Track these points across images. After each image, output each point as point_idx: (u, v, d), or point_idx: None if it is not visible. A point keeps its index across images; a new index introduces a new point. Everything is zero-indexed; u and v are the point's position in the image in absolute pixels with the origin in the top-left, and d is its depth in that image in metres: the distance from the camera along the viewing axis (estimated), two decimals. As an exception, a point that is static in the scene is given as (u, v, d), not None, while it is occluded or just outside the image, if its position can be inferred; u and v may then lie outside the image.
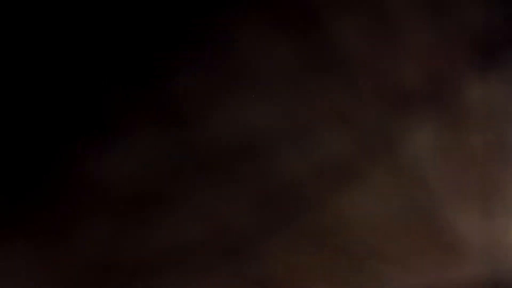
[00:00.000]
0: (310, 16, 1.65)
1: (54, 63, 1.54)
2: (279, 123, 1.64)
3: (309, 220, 1.64)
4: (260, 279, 1.62)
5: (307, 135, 1.65)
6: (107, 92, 1.55)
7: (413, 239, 1.69)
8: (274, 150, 1.63)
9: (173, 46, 1.59)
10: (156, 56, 1.59)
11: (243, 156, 1.62)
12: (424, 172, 1.70)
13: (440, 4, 1.71)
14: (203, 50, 1.60)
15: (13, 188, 1.53)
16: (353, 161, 1.67)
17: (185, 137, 1.59)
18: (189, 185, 1.59)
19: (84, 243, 1.56)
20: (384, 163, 1.68)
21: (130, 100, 1.56)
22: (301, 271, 1.65)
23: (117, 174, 1.56)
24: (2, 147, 1.52)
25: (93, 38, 1.54)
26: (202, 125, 1.59)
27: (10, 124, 1.52)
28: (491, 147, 1.72)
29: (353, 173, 1.67)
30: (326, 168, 1.65)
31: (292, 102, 1.64)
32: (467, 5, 1.72)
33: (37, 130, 1.54)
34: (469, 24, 1.72)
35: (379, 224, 1.67)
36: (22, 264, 1.53)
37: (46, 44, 1.54)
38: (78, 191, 1.54)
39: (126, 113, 1.56)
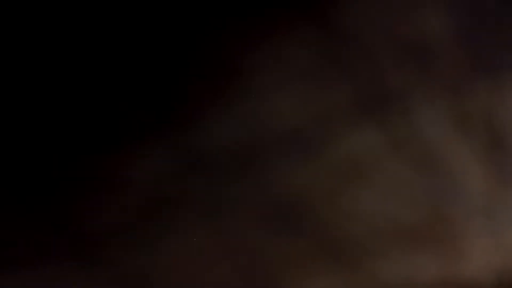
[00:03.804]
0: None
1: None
2: (283, 127, 1.64)
3: (311, 221, 1.66)
4: (262, 279, 1.64)
5: (309, 138, 1.65)
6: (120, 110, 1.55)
7: (414, 238, 1.71)
8: (275, 155, 1.63)
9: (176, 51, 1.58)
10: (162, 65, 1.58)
11: (246, 161, 1.62)
12: (425, 172, 1.70)
13: None
14: (210, 53, 1.59)
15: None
16: (355, 163, 1.68)
17: (190, 144, 1.59)
18: (194, 191, 1.60)
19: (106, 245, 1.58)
20: (386, 163, 1.69)
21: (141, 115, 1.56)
22: (301, 271, 1.67)
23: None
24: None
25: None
26: (207, 131, 1.59)
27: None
28: (493, 148, 1.72)
29: (356, 174, 1.68)
30: (329, 171, 1.66)
31: (293, 106, 1.64)
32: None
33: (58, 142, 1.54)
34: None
35: (380, 224, 1.69)
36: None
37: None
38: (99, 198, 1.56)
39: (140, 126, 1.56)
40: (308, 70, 1.66)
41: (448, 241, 1.73)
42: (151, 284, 1.60)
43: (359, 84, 1.68)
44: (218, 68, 1.61)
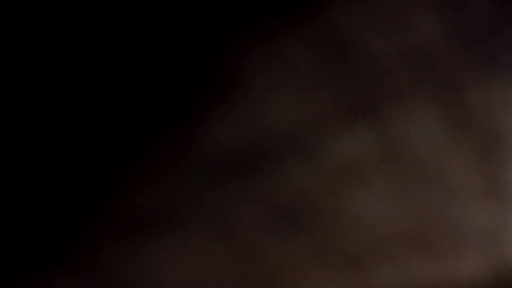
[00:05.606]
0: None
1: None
2: (282, 129, 1.64)
3: (312, 224, 1.66)
4: (262, 281, 1.64)
5: (309, 140, 1.65)
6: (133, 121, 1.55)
7: (413, 240, 1.71)
8: (275, 157, 1.63)
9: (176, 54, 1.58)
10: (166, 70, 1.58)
11: (246, 163, 1.62)
12: (424, 174, 1.71)
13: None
14: (209, 55, 1.59)
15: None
16: (355, 165, 1.68)
17: (190, 145, 1.59)
18: (194, 193, 1.60)
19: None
20: (385, 165, 1.69)
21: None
22: (302, 273, 1.67)
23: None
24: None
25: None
26: (206, 133, 1.59)
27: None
28: (491, 150, 1.73)
29: (355, 176, 1.68)
30: (329, 172, 1.66)
31: (293, 107, 1.64)
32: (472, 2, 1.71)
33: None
34: (473, 23, 1.71)
35: (380, 226, 1.69)
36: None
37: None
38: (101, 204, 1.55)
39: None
40: (307, 72, 1.67)
41: (446, 244, 1.73)
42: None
43: (358, 86, 1.68)
44: (217, 71, 1.61)
